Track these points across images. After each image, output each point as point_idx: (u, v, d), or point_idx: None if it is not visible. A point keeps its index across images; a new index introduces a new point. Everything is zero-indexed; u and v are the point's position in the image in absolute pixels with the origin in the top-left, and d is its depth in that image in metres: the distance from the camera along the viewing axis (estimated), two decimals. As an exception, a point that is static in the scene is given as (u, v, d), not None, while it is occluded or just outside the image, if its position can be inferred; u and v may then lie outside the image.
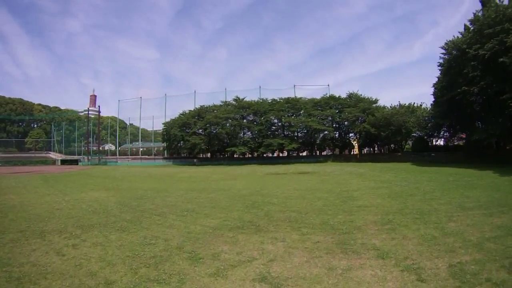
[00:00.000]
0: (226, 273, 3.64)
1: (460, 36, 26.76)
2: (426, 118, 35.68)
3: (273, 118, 46.82)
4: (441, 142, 41.05)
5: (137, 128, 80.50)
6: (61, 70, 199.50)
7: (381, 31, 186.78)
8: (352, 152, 48.28)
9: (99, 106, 67.76)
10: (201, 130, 48.30)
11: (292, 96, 48.97)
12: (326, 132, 45.35)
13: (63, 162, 59.96)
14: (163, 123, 53.67)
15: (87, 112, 70.36)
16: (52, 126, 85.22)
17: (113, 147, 78.17)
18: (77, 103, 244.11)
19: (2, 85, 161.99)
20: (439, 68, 29.47)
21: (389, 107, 41.54)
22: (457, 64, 25.60)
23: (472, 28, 25.28)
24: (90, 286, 3.37)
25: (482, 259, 3.78)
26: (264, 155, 47.67)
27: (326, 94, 47.90)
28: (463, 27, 27.98)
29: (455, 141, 38.86)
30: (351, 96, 46.00)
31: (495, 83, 22.47)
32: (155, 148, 69.19)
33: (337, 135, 47.12)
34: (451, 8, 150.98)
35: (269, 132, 46.80)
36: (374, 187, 11.95)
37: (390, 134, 37.24)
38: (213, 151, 50.62)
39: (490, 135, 24.04)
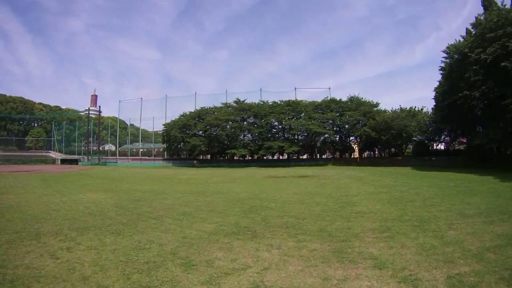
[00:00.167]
0: (219, 281, 3.57)
1: (462, 40, 26.69)
2: (427, 122, 35.54)
3: (273, 121, 46.81)
4: (441, 146, 40.86)
5: (138, 128, 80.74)
6: (62, 69, 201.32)
7: (383, 35, 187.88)
8: (352, 156, 48.19)
9: (99, 106, 68.08)
10: (201, 132, 48.29)
11: (293, 98, 49.05)
12: (326, 136, 45.37)
13: (63, 161, 60.17)
14: (163, 124, 53.88)
15: (87, 112, 70.60)
16: (53, 125, 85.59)
17: (113, 148, 78.32)
18: (78, 103, 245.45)
19: (3, 84, 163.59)
20: (441, 72, 29.35)
21: (390, 111, 41.52)
22: (459, 68, 25.52)
23: (474, 32, 25.18)
24: (81, 292, 3.32)
25: (482, 270, 3.70)
26: (264, 157, 47.57)
27: (327, 97, 48.07)
28: (465, 31, 28.02)
29: (456, 145, 38.65)
30: (352, 99, 46.03)
31: (497, 87, 22.38)
32: (155, 149, 69.28)
33: (337, 138, 47.05)
34: (453, 12, 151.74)
35: (269, 135, 46.78)
36: (373, 192, 11.86)
37: (391, 138, 37.15)
38: (213, 153, 50.60)
39: (491, 140, 23.87)
